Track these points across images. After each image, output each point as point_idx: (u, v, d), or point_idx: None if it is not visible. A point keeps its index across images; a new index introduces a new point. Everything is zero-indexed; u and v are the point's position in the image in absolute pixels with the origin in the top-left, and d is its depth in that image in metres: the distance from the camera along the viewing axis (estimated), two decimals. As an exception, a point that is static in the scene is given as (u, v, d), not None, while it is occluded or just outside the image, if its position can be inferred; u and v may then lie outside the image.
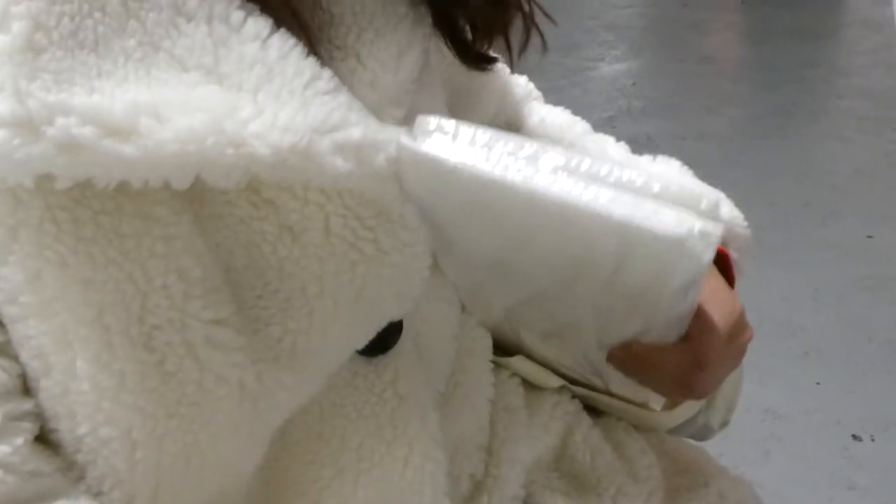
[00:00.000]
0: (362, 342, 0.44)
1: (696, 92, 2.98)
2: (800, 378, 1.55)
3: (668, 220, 0.36)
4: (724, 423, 0.69)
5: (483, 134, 0.40)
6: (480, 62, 0.52)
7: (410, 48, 0.44)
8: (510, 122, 0.64)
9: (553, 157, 0.39)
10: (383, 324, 0.44)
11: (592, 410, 0.63)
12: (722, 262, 0.52)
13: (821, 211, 2.11)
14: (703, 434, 0.67)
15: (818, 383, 1.54)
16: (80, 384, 0.36)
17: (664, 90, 3.05)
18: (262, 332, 0.40)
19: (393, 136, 0.39)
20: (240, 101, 0.35)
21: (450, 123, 0.40)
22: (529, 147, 0.39)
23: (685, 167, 0.61)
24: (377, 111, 0.41)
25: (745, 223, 0.56)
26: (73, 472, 0.38)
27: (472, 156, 0.39)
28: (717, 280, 0.50)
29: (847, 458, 1.39)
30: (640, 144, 2.57)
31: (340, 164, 0.36)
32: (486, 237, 0.43)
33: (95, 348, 0.36)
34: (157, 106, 0.34)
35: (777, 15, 3.68)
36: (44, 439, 0.38)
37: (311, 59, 0.38)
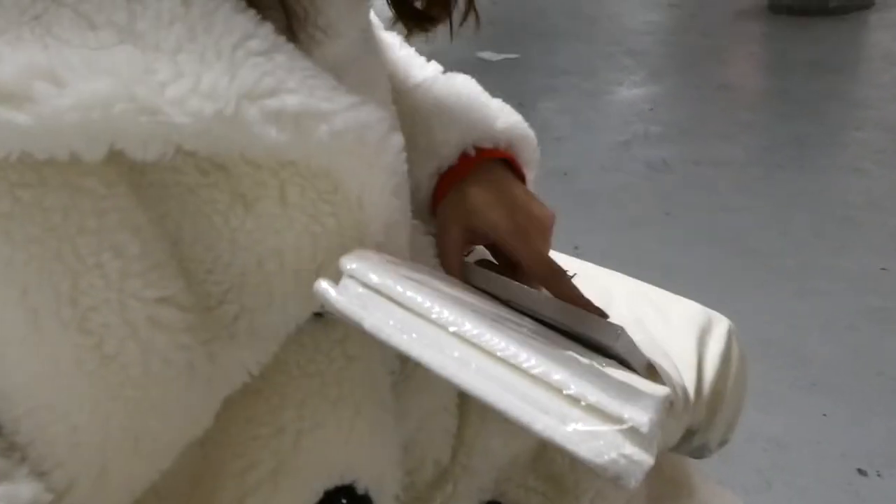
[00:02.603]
0: (318, 305, 0.40)
1: (713, 119, 2.98)
2: (806, 408, 1.54)
3: (592, 447, 0.32)
4: (724, 443, 0.68)
5: (399, 288, 0.37)
6: (418, 20, 0.49)
7: None
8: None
9: (468, 328, 0.36)
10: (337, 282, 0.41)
11: None
12: (515, 169, 0.55)
13: (834, 242, 2.09)
14: (701, 452, 0.66)
15: (824, 415, 1.52)
16: (11, 367, 0.33)
17: (681, 116, 3.05)
18: (215, 310, 0.37)
19: (340, 107, 0.35)
20: (156, 62, 0.31)
21: (368, 273, 0.37)
22: (444, 312, 0.36)
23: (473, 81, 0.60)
24: (335, 63, 0.38)
25: (526, 124, 0.57)
26: (16, 452, 0.35)
27: (385, 321, 0.36)
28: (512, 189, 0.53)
29: (851, 492, 1.37)
30: (656, 168, 2.60)
31: (274, 134, 0.33)
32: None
33: (21, 332, 0.32)
34: (54, 68, 0.29)
35: (797, 47, 3.68)
36: None
37: (246, 16, 0.34)
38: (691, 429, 0.62)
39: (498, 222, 0.51)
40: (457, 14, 0.49)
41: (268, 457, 0.42)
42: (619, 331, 0.47)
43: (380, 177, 0.38)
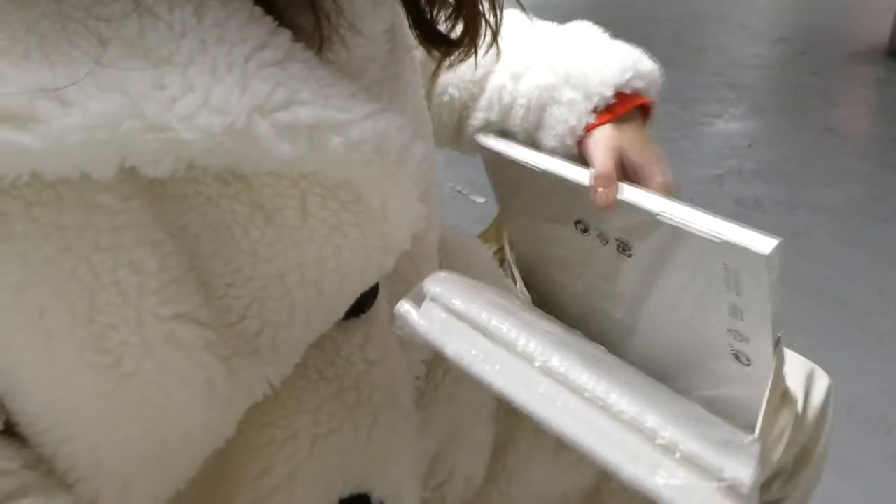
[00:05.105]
0: (341, 315, 0.40)
1: (815, 162, 2.84)
2: (887, 481, 1.43)
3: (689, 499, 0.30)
4: (799, 510, 0.64)
5: (484, 315, 0.35)
6: (440, 43, 0.48)
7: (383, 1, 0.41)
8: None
9: (555, 363, 0.34)
10: (361, 292, 0.40)
11: None
12: (644, 107, 0.60)
13: (936, 306, 1.95)
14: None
15: (908, 491, 1.41)
16: (25, 387, 0.33)
17: (780, 156, 2.92)
18: (236, 325, 0.36)
19: (356, 116, 0.34)
20: (166, 77, 0.30)
21: (453, 298, 0.35)
22: (530, 344, 0.34)
23: (599, 30, 0.64)
24: (359, 63, 0.38)
25: (658, 67, 0.61)
26: (42, 464, 0.35)
27: (468, 349, 0.35)
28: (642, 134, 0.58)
29: (929, 578, 1.26)
30: (748, 207, 2.49)
31: (287, 148, 0.32)
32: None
33: (37, 354, 0.32)
34: (60, 87, 0.29)
35: (916, 95, 3.48)
36: (11, 433, 0.35)
37: (260, 25, 0.33)
38: (775, 473, 0.59)
39: (644, 158, 0.56)
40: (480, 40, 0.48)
41: (282, 461, 0.41)
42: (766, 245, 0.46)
43: (404, 185, 0.37)
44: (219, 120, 0.30)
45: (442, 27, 0.48)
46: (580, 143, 0.57)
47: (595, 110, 0.57)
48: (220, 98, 0.31)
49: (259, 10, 0.33)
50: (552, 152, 0.58)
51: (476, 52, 0.48)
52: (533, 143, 0.61)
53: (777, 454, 0.57)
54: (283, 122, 0.32)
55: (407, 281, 0.47)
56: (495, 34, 0.48)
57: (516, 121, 0.61)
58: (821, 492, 0.68)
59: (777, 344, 0.48)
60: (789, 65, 4.09)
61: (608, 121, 0.57)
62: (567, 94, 0.58)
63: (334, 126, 0.33)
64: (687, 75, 3.77)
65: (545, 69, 0.59)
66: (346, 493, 0.43)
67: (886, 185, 2.63)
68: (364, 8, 0.40)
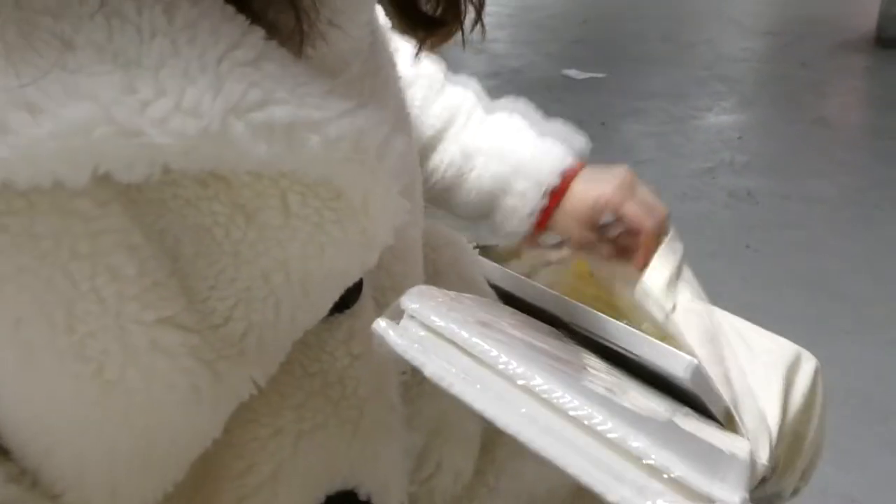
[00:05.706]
0: (326, 312, 0.40)
1: (807, 153, 2.85)
2: (886, 468, 1.44)
3: None
4: (797, 491, 0.64)
5: (464, 333, 0.34)
6: (425, 24, 0.46)
7: None
8: None
9: (537, 381, 0.33)
10: (345, 288, 0.40)
11: None
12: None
13: (930, 293, 1.96)
14: (772, 501, 0.62)
15: (906, 478, 1.42)
16: (8, 398, 0.32)
17: (771, 148, 2.94)
18: (221, 328, 0.35)
19: (333, 114, 0.33)
20: (137, 81, 0.29)
21: (431, 315, 0.35)
22: (512, 362, 0.33)
23: (525, 119, 0.71)
24: (340, 58, 0.37)
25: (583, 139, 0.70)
26: (27, 476, 0.34)
27: (447, 368, 0.34)
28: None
29: (930, 563, 1.27)
30: (740, 199, 2.50)
31: (264, 148, 0.31)
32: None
33: (15, 365, 0.31)
34: (29, 96, 0.28)
35: (904, 84, 3.50)
36: None
37: (232, 24, 0.32)
38: (766, 475, 0.59)
39: (603, 191, 0.65)
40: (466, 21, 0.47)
41: (266, 459, 0.40)
42: (690, 364, 0.44)
43: (384, 181, 0.36)
44: (192, 123, 0.30)
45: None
46: (539, 223, 0.67)
47: (545, 194, 0.66)
48: (194, 100, 0.30)
49: (231, 9, 0.32)
50: (507, 236, 0.67)
51: (463, 30, 0.47)
52: (482, 222, 0.69)
53: (764, 456, 0.56)
54: (259, 122, 0.31)
55: (392, 275, 0.47)
56: (479, 11, 0.47)
57: (464, 206, 0.69)
58: (818, 480, 0.68)
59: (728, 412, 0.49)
60: (777, 57, 4.11)
61: (564, 192, 0.67)
62: (520, 185, 0.66)
63: (311, 124, 0.32)
64: (678, 71, 3.78)
65: (495, 160, 0.67)
66: (332, 490, 0.42)
67: (878, 174, 2.64)
68: (344, 2, 0.40)
